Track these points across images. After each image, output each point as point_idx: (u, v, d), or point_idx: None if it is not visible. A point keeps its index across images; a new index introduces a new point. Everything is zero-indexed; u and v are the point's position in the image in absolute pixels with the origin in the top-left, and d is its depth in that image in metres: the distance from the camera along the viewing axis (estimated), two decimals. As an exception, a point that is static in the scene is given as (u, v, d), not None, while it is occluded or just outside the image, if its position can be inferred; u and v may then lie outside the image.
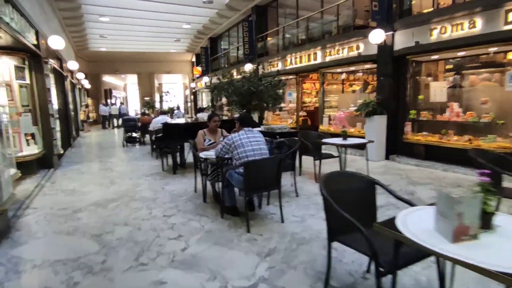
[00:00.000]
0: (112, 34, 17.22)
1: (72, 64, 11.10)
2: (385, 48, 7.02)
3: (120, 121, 20.48)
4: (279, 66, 11.12)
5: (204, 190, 4.45)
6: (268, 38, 12.75)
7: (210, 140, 4.59)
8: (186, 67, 27.92)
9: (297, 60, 10.25)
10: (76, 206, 4.40)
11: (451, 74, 7.01)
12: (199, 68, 20.06)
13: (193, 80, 27.13)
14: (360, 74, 10.12)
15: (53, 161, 6.97)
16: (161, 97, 24.68)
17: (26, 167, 6.14)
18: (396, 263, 1.86)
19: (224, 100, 18.21)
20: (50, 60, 7.20)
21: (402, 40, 6.70)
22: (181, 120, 11.30)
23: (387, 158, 7.14)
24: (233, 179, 3.58)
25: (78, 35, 16.75)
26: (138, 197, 4.76)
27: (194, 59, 26.28)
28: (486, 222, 1.49)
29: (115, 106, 21.02)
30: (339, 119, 9.08)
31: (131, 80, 33.59)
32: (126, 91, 38.15)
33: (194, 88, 25.21)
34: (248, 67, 12.46)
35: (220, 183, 4.44)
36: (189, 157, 7.41)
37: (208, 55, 18.14)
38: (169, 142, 6.18)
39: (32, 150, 6.36)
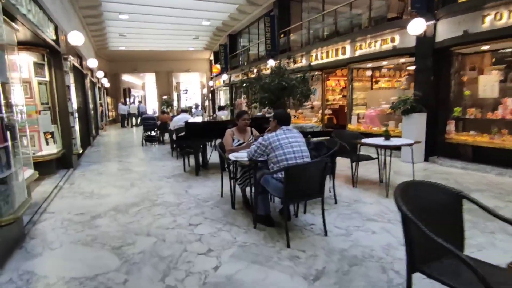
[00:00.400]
0: (131, 32, 17.13)
1: (92, 62, 10.96)
2: (425, 40, 6.40)
3: (139, 120, 20.47)
4: (303, 62, 10.59)
5: (232, 196, 4.02)
6: (291, 34, 12.25)
7: (239, 140, 4.17)
8: (204, 65, 27.73)
9: (323, 55, 9.70)
10: (95, 211, 4.07)
11: (500, 67, 6.31)
12: (218, 66, 19.73)
13: (211, 78, 26.91)
14: (386, 69, 9.47)
15: (72, 161, 6.73)
16: (178, 95, 24.62)
17: (45, 167, 5.92)
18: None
19: (243, 98, 17.90)
20: (70, 57, 6.97)
21: (446, 30, 6.06)
22: (200, 119, 10.98)
23: (425, 159, 6.53)
24: (269, 185, 3.13)
25: (98, 34, 16.73)
26: (160, 202, 4.39)
27: (212, 57, 26.03)
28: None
29: (133, 105, 21.01)
30: (370, 118, 8.49)
31: (149, 79, 33.78)
32: (145, 90, 38.45)
33: (212, 87, 24.97)
34: (271, 62, 12.00)
35: (251, 188, 4.03)
36: (212, 157, 7.04)
37: (227, 53, 17.79)
38: (192, 142, 5.80)
39: (51, 149, 6.13)
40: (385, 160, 5.07)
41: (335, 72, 10.67)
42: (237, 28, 16.51)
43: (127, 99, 27.35)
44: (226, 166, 4.28)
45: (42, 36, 5.27)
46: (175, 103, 26.67)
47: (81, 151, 7.27)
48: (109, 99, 23.44)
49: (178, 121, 7.64)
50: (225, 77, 17.94)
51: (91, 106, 11.30)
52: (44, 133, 6.14)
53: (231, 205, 4.03)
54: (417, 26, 6.19)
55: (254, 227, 3.37)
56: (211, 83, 24.61)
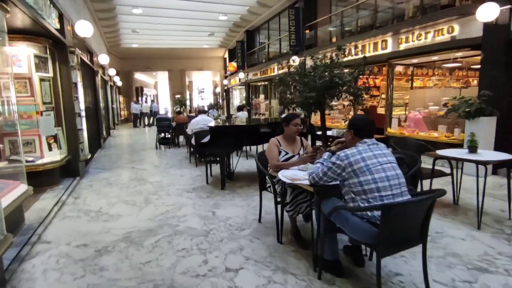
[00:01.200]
0: (144, 28, 16.39)
1: (103, 58, 10.18)
2: (496, 29, 5.32)
3: (152, 119, 19.77)
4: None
5: (279, 227, 3.07)
6: (318, 28, 11.22)
7: (287, 153, 3.22)
8: (218, 63, 26.91)
9: (357, 51, 8.66)
10: (101, 241, 3.18)
11: None
12: (234, 64, 18.84)
13: (225, 77, 26.06)
14: (430, 65, 8.39)
15: (79, 169, 5.90)
16: (190, 94, 23.79)
17: (48, 177, 5.10)
18: None
19: (261, 97, 16.96)
20: (77, 50, 6.14)
21: (525, 16, 4.98)
22: (212, 122, 10.07)
23: (494, 172, 5.45)
24: (347, 224, 2.16)
25: (111, 30, 16.04)
26: (183, 228, 3.47)
27: (226, 55, 25.17)
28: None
29: (146, 104, 20.30)
30: (414, 121, 7.43)
31: (162, 77, 33.19)
32: (157, 89, 37.93)
33: (226, 86, 24.09)
34: (295, 60, 10.99)
35: (300, 215, 3.12)
36: (238, 165, 6.12)
37: (244, 50, 16.86)
38: (217, 150, 4.87)
39: (54, 156, 5.30)
40: (459, 176, 4.06)
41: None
42: (256, 23, 15.56)
43: (140, 98, 26.75)
44: (268, 185, 3.35)
45: (43, 23, 4.43)
46: (188, 103, 25.96)
47: (89, 157, 6.45)
48: (121, 98, 22.84)
49: (196, 123, 6.74)
50: (241, 75, 17.02)
51: (101, 105, 10.53)
52: (47, 137, 5.32)
53: (277, 238, 3.08)
54: (488, 11, 5.12)
55: (318, 278, 2.41)
56: (225, 81, 23.74)
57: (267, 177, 3.23)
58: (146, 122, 19.39)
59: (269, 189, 3.35)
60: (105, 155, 8.64)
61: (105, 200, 4.60)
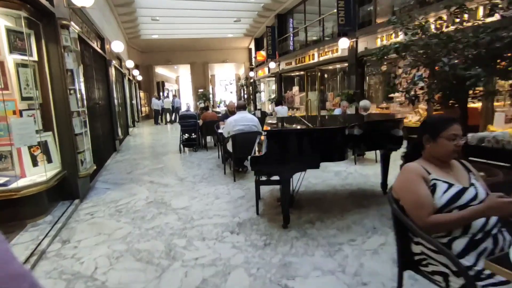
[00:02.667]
0: (164, 15, 14.84)
1: (117, 46, 8.64)
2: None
3: (174, 115, 18.35)
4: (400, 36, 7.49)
5: None
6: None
7: (449, 186, 1.41)
8: (242, 55, 25.14)
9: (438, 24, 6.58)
10: None
11: None
12: (263, 53, 16.99)
13: (251, 69, 24.27)
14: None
15: (79, 188, 4.32)
16: (213, 89, 22.13)
17: (30, 205, 3.53)
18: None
19: (295, 90, 15.02)
20: (73, 24, 4.52)
21: None
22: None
23: None
24: None
25: (129, 19, 14.60)
26: None
27: (252, 46, 23.35)
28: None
29: (168, 99, 18.90)
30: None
31: (183, 72, 31.87)
32: (179, 84, 36.75)
33: (252, 78, 22.30)
34: (344, 43, 9.03)
35: None
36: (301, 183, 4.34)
37: (275, 36, 14.96)
38: (282, 168, 3.07)
39: (41, 173, 3.73)
40: None
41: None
42: (288, 5, 13.62)
43: (161, 93, 25.50)
44: (420, 261, 1.55)
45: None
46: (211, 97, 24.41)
47: (93, 169, 4.87)
48: (141, 93, 21.62)
49: (235, 123, 5.01)
50: (272, 65, 15.15)
51: (117, 101, 9.03)
52: (30, 147, 3.75)
53: None
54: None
55: None
56: (251, 73, 21.94)
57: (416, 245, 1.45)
58: (168, 119, 17.98)
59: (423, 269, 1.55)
60: (120, 162, 7.11)
61: (106, 248, 2.96)
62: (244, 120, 5.02)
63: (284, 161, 2.98)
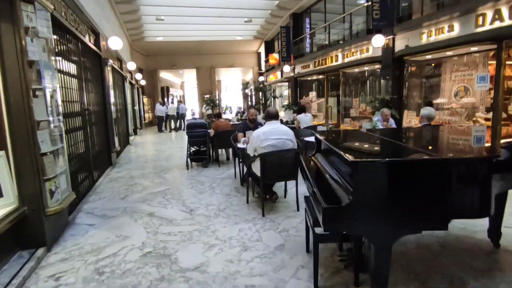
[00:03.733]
0: (170, 14, 13.69)
1: (115, 42, 7.40)
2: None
3: (178, 122, 17.11)
4: (455, 29, 6.17)
5: None
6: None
7: None
8: (251, 59, 23.99)
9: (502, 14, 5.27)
10: None
11: None
12: (276, 56, 15.76)
13: (260, 74, 23.08)
14: None
15: (45, 230, 3.01)
16: (219, 95, 20.74)
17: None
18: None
19: (312, 95, 13.70)
20: (43, 0, 3.26)
21: None
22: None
23: None
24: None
25: (132, 19, 13.48)
26: None
27: (261, 49, 22.19)
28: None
29: (172, 105, 17.70)
30: None
31: (189, 77, 30.79)
32: (184, 90, 35.70)
33: (262, 83, 21.03)
34: (378, 41, 7.74)
35: None
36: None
37: (290, 37, 13.71)
38: (385, 226, 1.72)
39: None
40: None
41: None
42: (306, 3, 12.38)
43: (166, 99, 24.36)
44: None
45: None
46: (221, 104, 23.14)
47: (72, 199, 3.57)
48: (145, 99, 20.47)
49: (265, 137, 3.68)
50: (286, 68, 13.89)
51: (114, 107, 7.77)
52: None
53: None
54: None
55: None
56: (261, 78, 20.69)
57: None
58: (173, 126, 16.74)
59: None
60: (114, 180, 5.81)
61: None
62: (276, 133, 3.70)
63: (388, 216, 1.65)
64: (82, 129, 5.09)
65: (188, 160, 6.78)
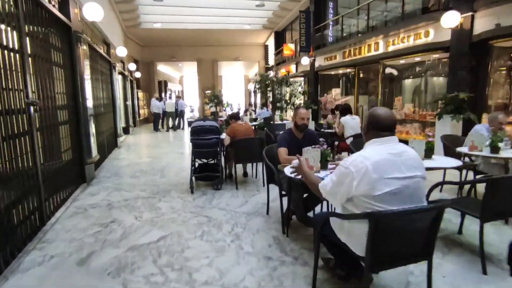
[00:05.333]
0: (169, -7, 11.66)
1: (93, 10, 5.33)
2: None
3: (177, 120, 15.07)
4: None
5: None
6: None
7: None
8: (257, 53, 21.96)
9: None
10: None
11: None
12: (292, 46, 13.73)
13: (267, 68, 21.03)
14: None
15: None
16: (220, 91, 18.44)
17: None
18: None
19: (335, 92, 11.67)
20: None
21: None
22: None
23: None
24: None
25: (124, -2, 11.42)
26: None
27: (270, 42, 20.16)
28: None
29: (170, 100, 15.64)
30: None
31: (188, 71, 28.70)
32: (183, 84, 33.58)
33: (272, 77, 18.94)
34: (451, 19, 5.76)
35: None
36: None
37: (310, 24, 11.71)
38: None
39: None
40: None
41: None
42: (331, -19, 10.39)
43: (163, 94, 22.28)
44: None
45: None
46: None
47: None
48: (140, 93, 18.39)
49: (379, 176, 1.66)
50: (305, 60, 11.89)
51: (91, 102, 5.71)
52: None
53: None
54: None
55: None
56: (270, 73, 18.63)
57: None
58: (170, 125, 14.71)
59: None
60: (80, 215, 3.79)
61: None
62: (401, 166, 1.69)
63: None
64: (24, 135, 3.08)
65: (193, 178, 4.77)
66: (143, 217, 3.67)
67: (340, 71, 10.89)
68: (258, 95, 23.96)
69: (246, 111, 13.64)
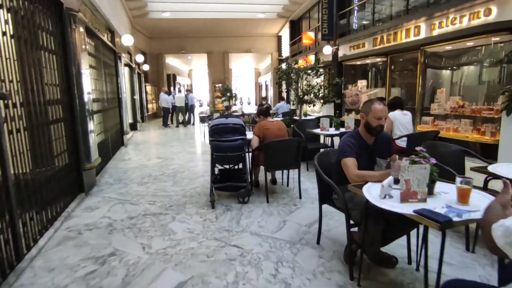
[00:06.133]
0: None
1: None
2: None
3: (188, 115, 14.20)
4: None
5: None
6: None
7: None
8: (270, 44, 20.90)
9: None
10: None
11: None
12: (311, 34, 12.65)
13: (280, 60, 19.97)
14: None
15: None
16: (229, 86, 17.19)
17: None
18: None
19: (361, 84, 10.52)
20: None
21: None
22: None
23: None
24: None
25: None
26: None
27: (284, 32, 19.07)
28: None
29: (180, 94, 14.76)
30: None
31: (197, 65, 27.81)
32: (191, 78, 32.71)
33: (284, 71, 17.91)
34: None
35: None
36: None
37: (333, 10, 10.63)
38: None
39: None
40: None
41: None
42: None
43: (171, 88, 21.43)
44: None
45: None
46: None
47: None
48: (148, 87, 17.57)
49: None
50: (327, 50, 10.84)
51: (90, 96, 4.82)
52: None
53: None
54: None
55: None
56: (284, 66, 17.57)
57: None
58: (180, 120, 13.85)
59: None
60: (71, 241, 2.93)
61: None
62: None
63: None
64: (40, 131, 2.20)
65: (213, 189, 3.85)
66: (153, 246, 2.77)
67: (368, 61, 9.82)
68: (271, 89, 22.99)
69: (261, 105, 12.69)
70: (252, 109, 20.10)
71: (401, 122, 4.66)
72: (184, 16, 15.38)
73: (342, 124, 5.40)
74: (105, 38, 6.98)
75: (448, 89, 7.29)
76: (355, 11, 10.44)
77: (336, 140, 5.41)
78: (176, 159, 6.70)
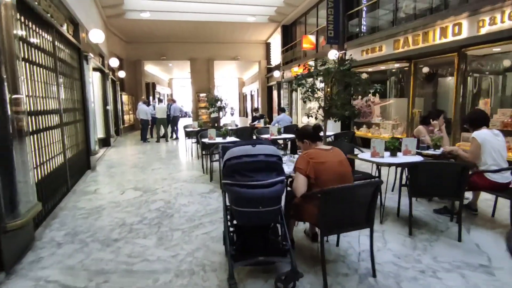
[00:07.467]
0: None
1: None
2: None
3: (172, 129, 12.41)
4: None
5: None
6: None
7: None
8: (258, 51, 19.60)
9: None
10: None
11: None
12: (312, 38, 11.31)
13: (269, 69, 18.62)
14: None
15: None
16: (215, 96, 15.45)
17: None
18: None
19: (372, 96, 9.10)
20: None
21: None
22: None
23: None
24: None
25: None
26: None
27: (272, 39, 17.83)
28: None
29: (161, 105, 12.96)
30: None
31: (178, 73, 26.09)
32: (171, 88, 30.84)
33: (273, 81, 16.51)
34: None
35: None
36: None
37: (340, 8, 9.35)
38: None
39: None
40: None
41: None
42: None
43: (151, 98, 19.54)
44: None
45: None
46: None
47: None
48: (125, 96, 15.66)
49: None
50: (332, 54, 9.50)
51: (13, 108, 3.08)
52: None
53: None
54: None
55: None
56: (276, 74, 16.18)
57: None
58: (162, 133, 12.05)
59: None
60: None
61: None
62: None
63: None
64: None
65: (232, 266, 2.21)
66: None
67: (382, 67, 8.54)
68: (258, 99, 21.50)
69: (255, 118, 11.12)
70: (236, 119, 18.44)
71: (493, 146, 3.23)
72: (166, 17, 13.75)
73: (399, 148, 3.81)
74: (64, 29, 5.24)
75: (494, 100, 6.04)
76: (364, 12, 9.21)
77: (388, 171, 3.85)
78: (159, 191, 4.98)
